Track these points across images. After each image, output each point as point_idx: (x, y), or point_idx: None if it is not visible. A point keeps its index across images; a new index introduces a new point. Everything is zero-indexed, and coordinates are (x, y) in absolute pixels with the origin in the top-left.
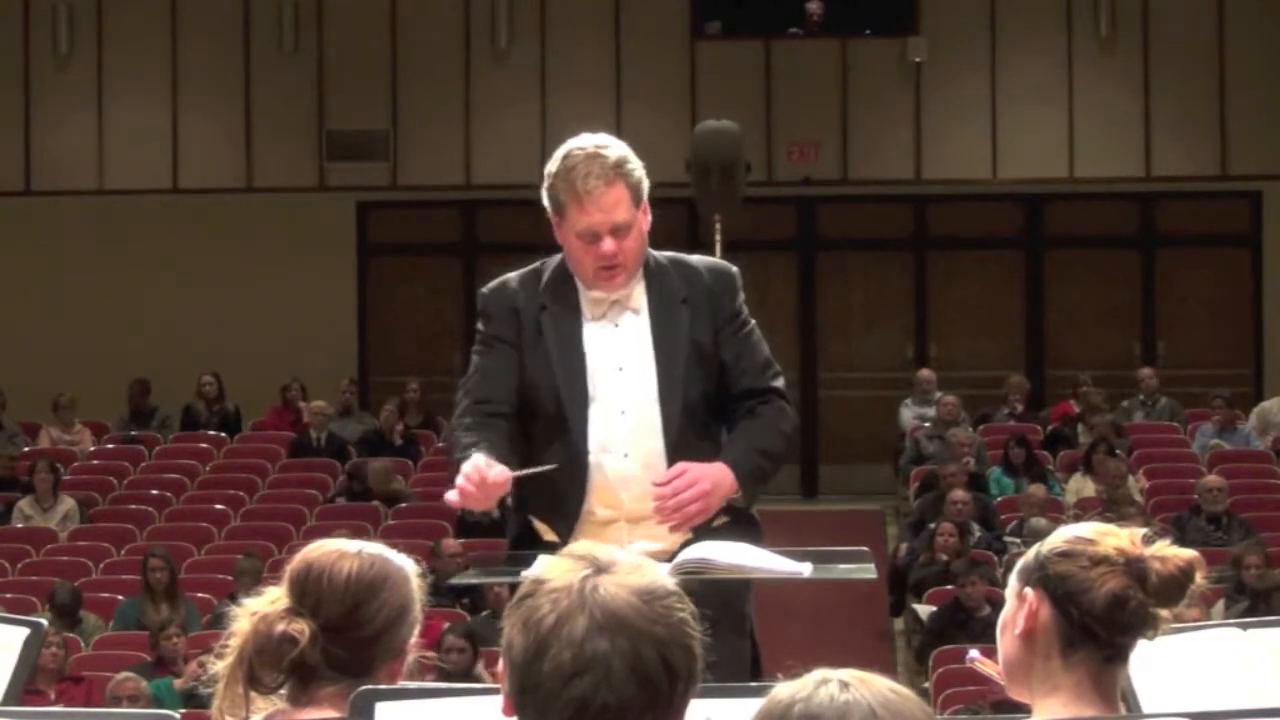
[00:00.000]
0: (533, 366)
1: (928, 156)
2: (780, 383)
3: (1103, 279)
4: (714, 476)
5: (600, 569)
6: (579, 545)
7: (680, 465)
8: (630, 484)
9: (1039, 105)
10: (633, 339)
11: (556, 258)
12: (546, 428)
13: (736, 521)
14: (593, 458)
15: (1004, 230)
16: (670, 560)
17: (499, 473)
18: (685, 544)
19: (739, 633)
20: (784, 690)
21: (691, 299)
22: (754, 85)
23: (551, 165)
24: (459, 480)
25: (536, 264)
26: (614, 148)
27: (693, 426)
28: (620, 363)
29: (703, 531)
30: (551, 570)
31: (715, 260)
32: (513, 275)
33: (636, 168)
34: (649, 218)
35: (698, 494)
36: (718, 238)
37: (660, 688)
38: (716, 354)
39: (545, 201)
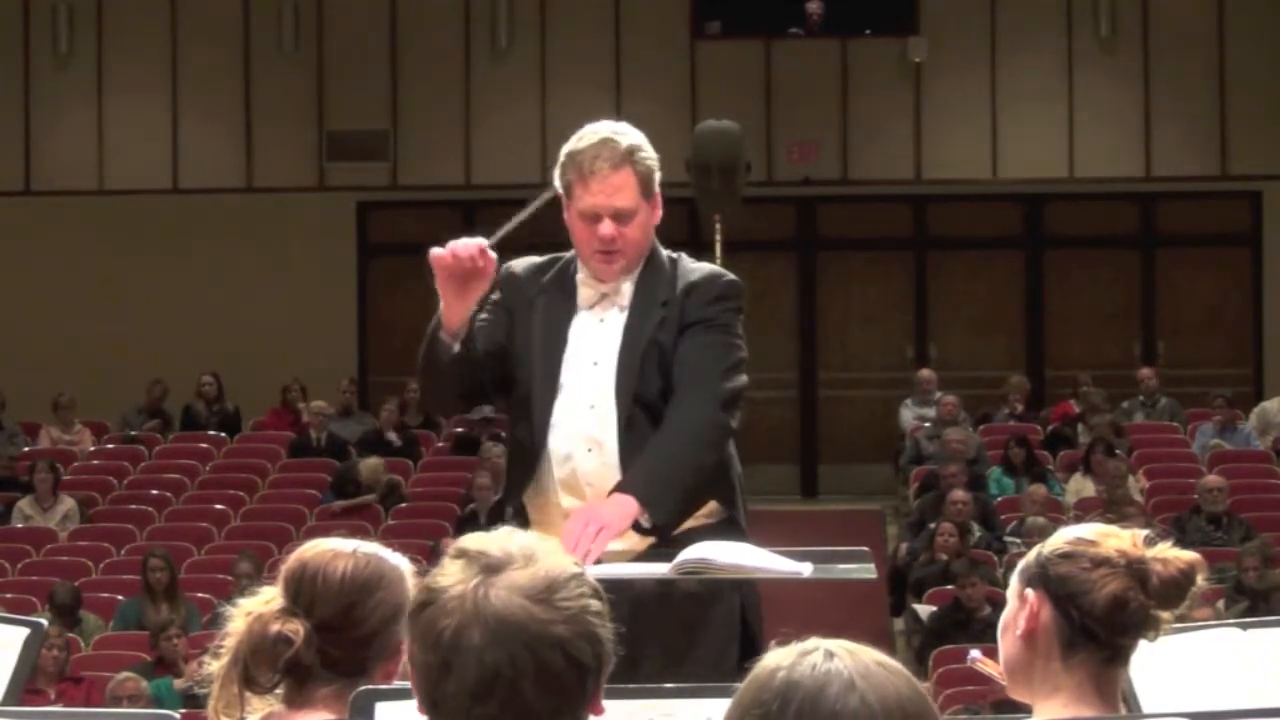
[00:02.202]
0: (519, 344)
1: (928, 156)
2: (719, 386)
3: (1103, 279)
4: (604, 513)
5: (491, 569)
6: (472, 540)
7: (575, 512)
8: (593, 478)
9: (1039, 105)
10: (611, 334)
11: (572, 250)
12: (519, 408)
13: (718, 525)
14: (562, 449)
15: (1004, 230)
16: (635, 560)
17: (492, 255)
18: (654, 546)
19: (728, 634)
20: (771, 658)
21: (671, 301)
22: (754, 85)
23: (566, 146)
24: (450, 244)
25: (562, 254)
26: (629, 135)
27: (646, 425)
28: (595, 357)
29: (681, 535)
30: (446, 575)
31: (715, 268)
32: (536, 257)
33: (649, 158)
34: (659, 211)
35: (593, 533)
36: (718, 238)
37: (569, 686)
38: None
39: (555, 181)
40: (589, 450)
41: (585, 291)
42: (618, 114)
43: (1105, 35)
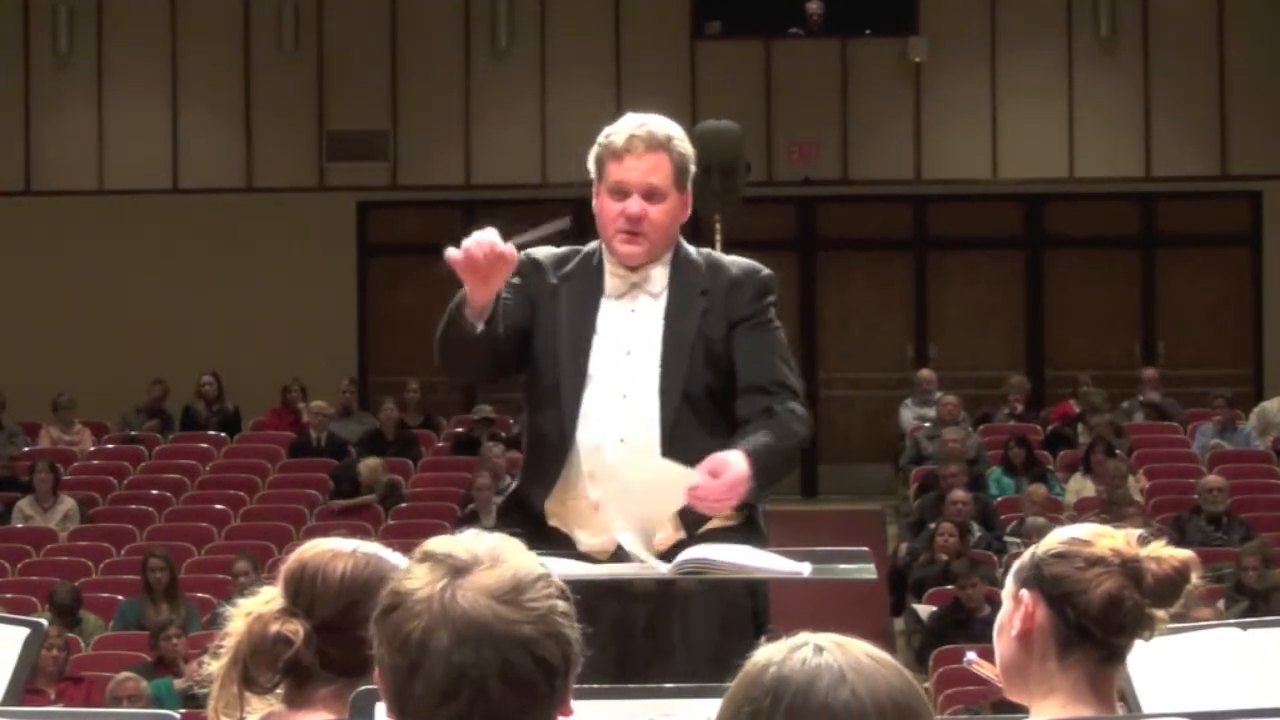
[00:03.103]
0: (541, 332)
1: (928, 156)
2: (796, 384)
3: (1103, 279)
4: (742, 467)
5: (458, 571)
6: (439, 542)
7: (713, 458)
8: (621, 469)
9: (1039, 105)
10: (645, 323)
11: (595, 242)
12: (542, 396)
13: (741, 527)
14: (590, 439)
15: (1004, 230)
16: (662, 556)
17: (509, 247)
18: (680, 543)
19: (745, 632)
20: (761, 654)
21: (712, 292)
22: (754, 85)
23: (601, 135)
24: (465, 243)
25: (580, 246)
26: (668, 127)
27: (692, 419)
28: (628, 346)
29: (704, 535)
30: (412, 578)
31: (750, 261)
32: (553, 248)
33: (685, 149)
34: (689, 209)
35: (731, 483)
36: (718, 238)
37: (537, 687)
38: (727, 352)
39: (590, 164)
40: (620, 441)
41: (613, 280)
42: (618, 114)
43: (1105, 35)
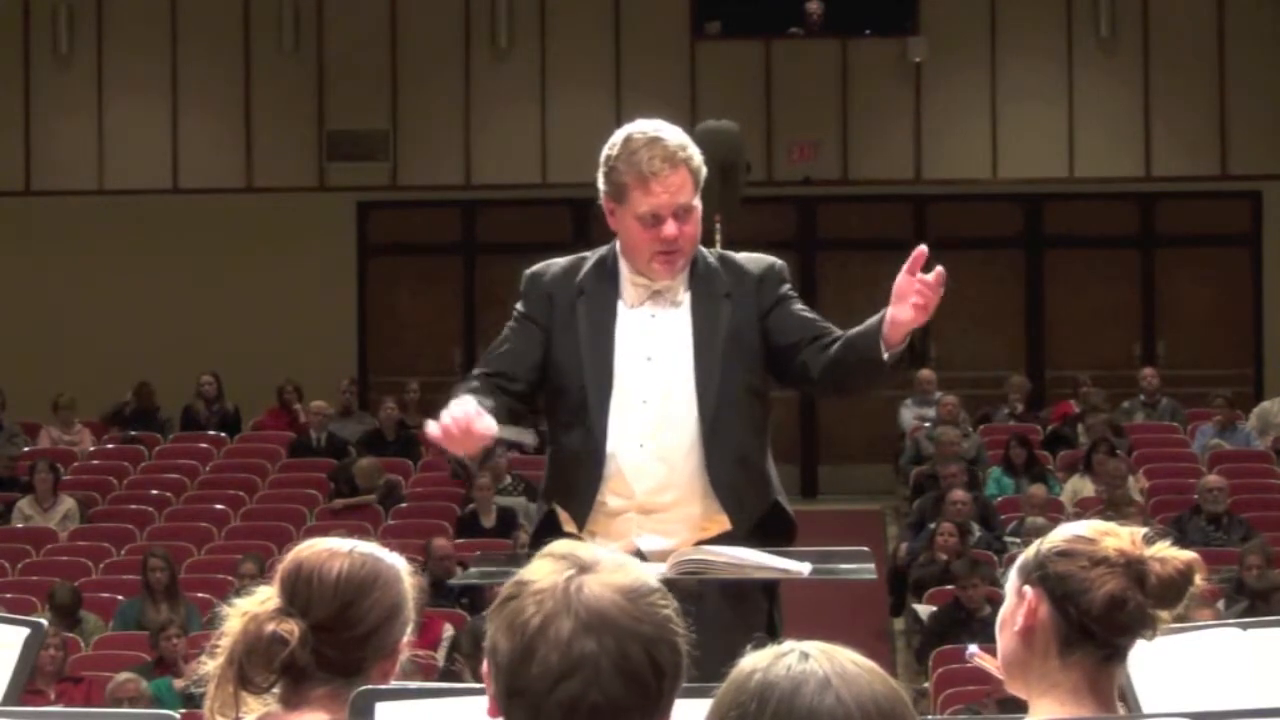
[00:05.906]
0: (562, 350)
1: (928, 156)
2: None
3: (1103, 279)
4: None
5: (584, 568)
6: (559, 545)
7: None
8: (643, 476)
9: (1039, 105)
10: (667, 331)
11: (604, 248)
12: (569, 412)
13: (772, 520)
14: (609, 446)
15: (1004, 230)
16: (680, 559)
17: (486, 425)
18: (697, 545)
19: (759, 631)
20: (748, 661)
21: (735, 293)
22: (754, 85)
23: (611, 150)
24: (443, 418)
25: (586, 253)
26: (674, 133)
27: (728, 417)
28: (649, 353)
29: (731, 537)
30: (535, 571)
31: (761, 255)
32: (559, 260)
33: (696, 154)
34: (701, 207)
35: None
36: (718, 238)
37: (648, 686)
38: (761, 342)
39: (602, 185)
40: (641, 446)
41: (633, 290)
42: (618, 114)
43: (1105, 35)
